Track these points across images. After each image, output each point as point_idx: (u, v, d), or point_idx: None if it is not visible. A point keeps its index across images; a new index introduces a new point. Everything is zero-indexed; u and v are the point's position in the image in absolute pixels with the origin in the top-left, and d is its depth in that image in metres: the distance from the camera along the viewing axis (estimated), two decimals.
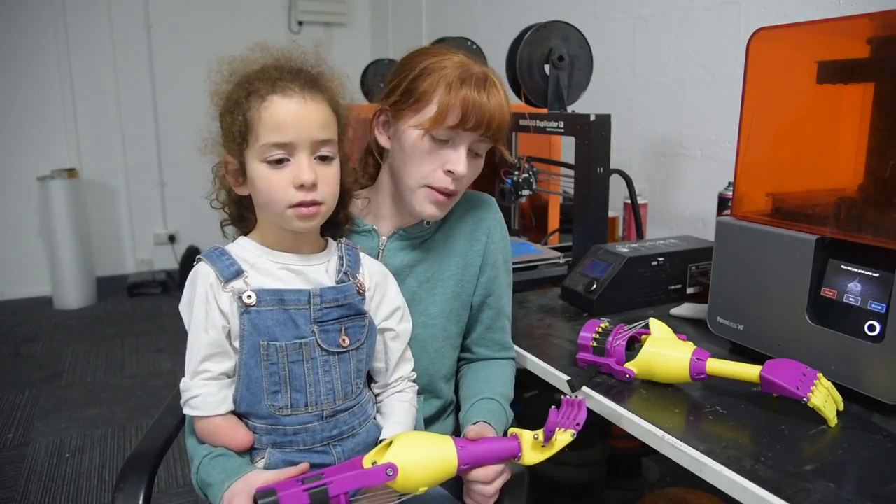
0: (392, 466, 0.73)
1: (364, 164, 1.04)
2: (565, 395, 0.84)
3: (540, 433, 0.81)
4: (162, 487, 2.03)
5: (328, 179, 0.82)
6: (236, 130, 0.79)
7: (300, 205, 0.79)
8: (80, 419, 2.44)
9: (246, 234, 0.89)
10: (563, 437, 0.81)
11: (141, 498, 0.87)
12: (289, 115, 0.78)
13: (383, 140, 0.98)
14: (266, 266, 0.84)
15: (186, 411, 0.81)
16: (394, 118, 0.95)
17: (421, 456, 0.76)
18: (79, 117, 3.78)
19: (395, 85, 0.95)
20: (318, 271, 0.86)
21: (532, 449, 0.82)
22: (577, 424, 0.81)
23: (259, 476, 0.77)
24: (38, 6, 3.59)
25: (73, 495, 1.98)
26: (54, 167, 3.63)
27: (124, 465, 0.92)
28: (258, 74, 0.81)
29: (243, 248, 0.85)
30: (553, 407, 0.81)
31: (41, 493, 1.99)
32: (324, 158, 0.82)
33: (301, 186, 0.79)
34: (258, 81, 0.80)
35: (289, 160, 0.79)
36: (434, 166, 0.93)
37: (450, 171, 0.93)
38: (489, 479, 0.83)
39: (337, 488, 0.71)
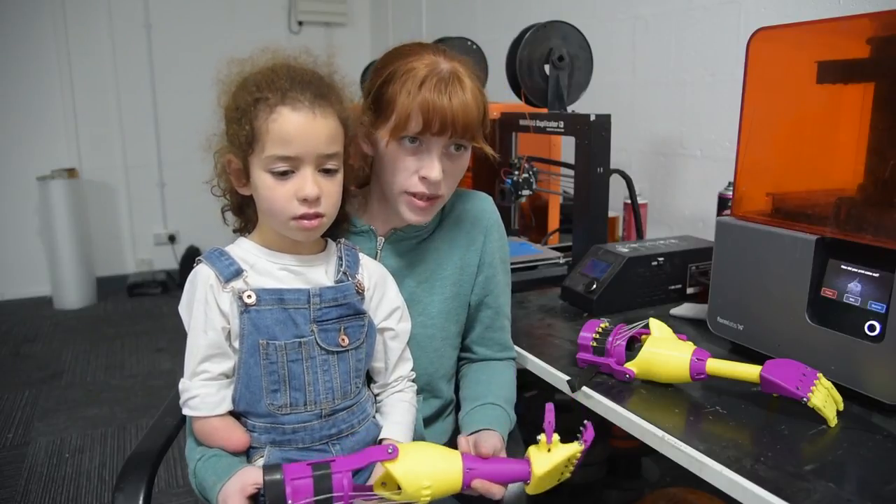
0: (393, 447, 0.73)
1: (361, 165, 1.04)
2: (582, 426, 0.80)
3: (543, 437, 0.77)
4: (162, 487, 2.03)
5: (331, 192, 0.82)
6: (242, 136, 0.79)
7: (302, 217, 0.80)
8: (80, 419, 2.44)
9: (245, 228, 0.90)
10: (568, 446, 0.77)
11: (141, 498, 0.87)
12: (296, 130, 0.78)
13: (366, 147, 0.95)
14: (265, 266, 0.84)
15: (185, 411, 0.82)
16: (371, 126, 0.93)
17: (425, 469, 0.74)
18: (79, 117, 3.78)
19: (367, 91, 0.95)
20: (317, 272, 0.86)
21: (542, 460, 0.77)
22: (585, 441, 0.78)
23: (251, 472, 0.77)
24: (38, 6, 3.60)
25: (73, 495, 1.99)
26: (54, 167, 3.63)
27: (124, 465, 0.92)
28: (268, 82, 0.79)
29: (243, 249, 0.85)
30: (549, 403, 0.78)
31: (41, 493, 1.99)
32: (328, 171, 0.81)
33: (304, 200, 0.79)
34: (268, 90, 0.79)
35: (293, 172, 0.79)
36: (408, 173, 0.92)
37: (424, 178, 0.91)
38: (494, 499, 0.80)
39: (339, 466, 0.71)
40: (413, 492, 0.73)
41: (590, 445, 0.79)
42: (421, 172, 0.91)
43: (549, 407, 0.78)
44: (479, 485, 0.77)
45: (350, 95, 0.87)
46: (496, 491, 0.79)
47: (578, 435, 0.78)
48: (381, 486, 0.74)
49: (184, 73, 3.85)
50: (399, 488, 0.73)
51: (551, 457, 0.76)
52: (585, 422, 0.79)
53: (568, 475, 0.81)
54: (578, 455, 0.78)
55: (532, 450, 0.78)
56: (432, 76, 0.88)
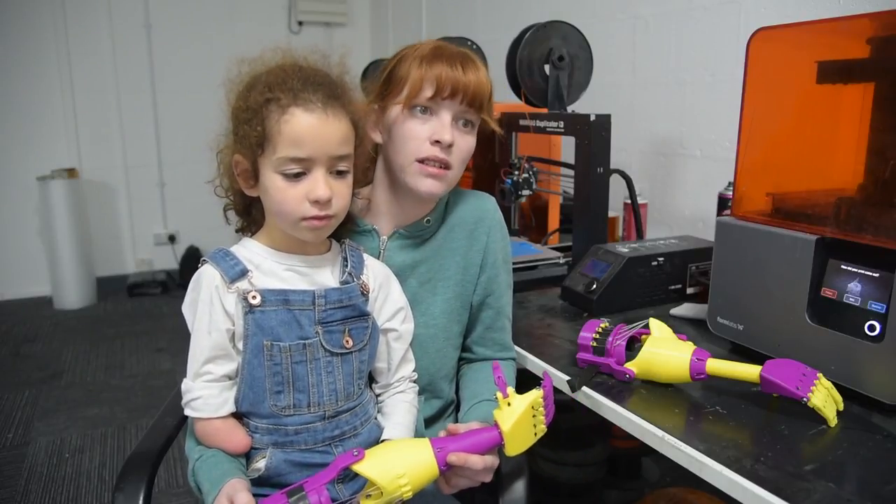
0: (359, 449, 0.74)
1: (365, 164, 1.04)
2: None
3: (499, 394, 0.79)
4: (162, 487, 2.03)
5: (341, 193, 0.82)
6: (253, 137, 0.78)
7: (313, 218, 0.80)
8: (80, 419, 2.44)
9: (247, 228, 0.90)
10: (528, 394, 0.81)
11: (141, 498, 0.87)
12: (309, 131, 0.78)
13: (375, 136, 0.98)
14: (271, 267, 0.84)
15: (187, 412, 0.82)
16: (381, 110, 0.97)
17: (395, 460, 0.75)
18: (79, 117, 3.78)
19: (378, 78, 0.99)
20: (322, 273, 0.86)
21: (506, 416, 0.79)
22: (544, 387, 0.83)
23: (238, 484, 0.76)
24: (38, 6, 3.59)
25: (73, 495, 1.99)
26: (54, 167, 3.63)
27: (124, 465, 0.92)
28: (279, 82, 0.79)
29: (248, 250, 0.85)
30: (495, 362, 0.85)
31: (41, 493, 1.99)
32: (339, 173, 0.82)
33: (315, 202, 0.79)
34: (279, 90, 0.78)
35: (305, 174, 0.79)
36: (421, 139, 0.94)
37: (437, 141, 0.93)
38: (477, 468, 0.80)
39: (312, 484, 0.72)
40: (388, 484, 0.73)
41: (550, 391, 0.83)
42: (433, 136, 0.93)
43: (496, 365, 0.82)
44: (456, 458, 0.77)
45: (361, 98, 0.88)
46: (475, 461, 0.79)
47: (537, 386, 0.82)
48: (367, 497, 0.74)
49: (184, 73, 3.85)
50: (381, 494, 0.73)
51: (513, 409, 0.79)
52: (543, 373, 0.86)
53: (543, 428, 0.83)
54: (541, 402, 0.82)
55: (495, 412, 0.81)
56: (443, 51, 0.94)
